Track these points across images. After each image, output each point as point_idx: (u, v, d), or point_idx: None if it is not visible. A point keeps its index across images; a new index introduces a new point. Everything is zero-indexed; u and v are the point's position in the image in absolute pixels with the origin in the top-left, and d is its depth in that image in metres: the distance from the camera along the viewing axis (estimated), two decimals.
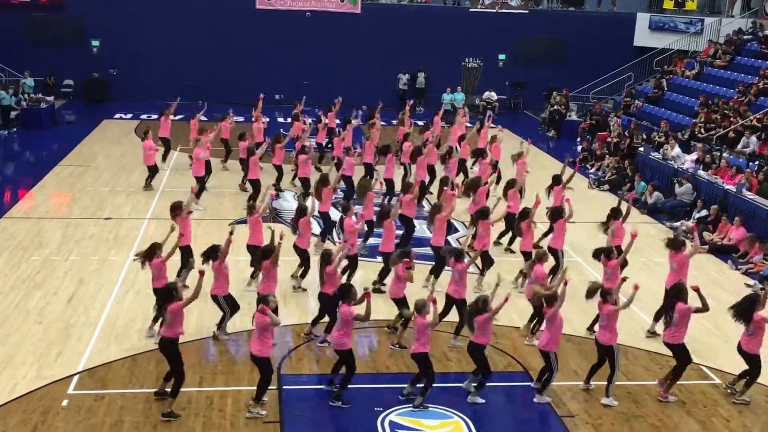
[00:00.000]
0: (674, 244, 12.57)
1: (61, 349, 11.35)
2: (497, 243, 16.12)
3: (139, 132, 21.91)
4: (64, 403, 9.98)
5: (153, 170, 19.71)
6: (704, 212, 18.51)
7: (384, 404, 10.28)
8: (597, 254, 12.46)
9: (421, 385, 10.29)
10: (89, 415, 9.73)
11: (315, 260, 12.93)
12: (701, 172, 20.01)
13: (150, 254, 11.33)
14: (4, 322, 12.13)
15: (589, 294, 10.85)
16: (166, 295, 9.88)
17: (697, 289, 10.62)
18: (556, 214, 14.13)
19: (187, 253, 12.88)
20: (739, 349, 10.81)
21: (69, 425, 9.51)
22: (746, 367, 10.87)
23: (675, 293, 10.75)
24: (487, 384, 10.52)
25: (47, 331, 11.92)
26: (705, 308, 10.57)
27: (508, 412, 10.54)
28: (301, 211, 13.52)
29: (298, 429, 9.76)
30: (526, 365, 11.52)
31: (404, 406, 10.28)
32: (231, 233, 11.84)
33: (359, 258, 13.92)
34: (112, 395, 10.20)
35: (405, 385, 10.56)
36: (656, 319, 12.52)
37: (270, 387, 10.07)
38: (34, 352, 11.24)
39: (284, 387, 10.58)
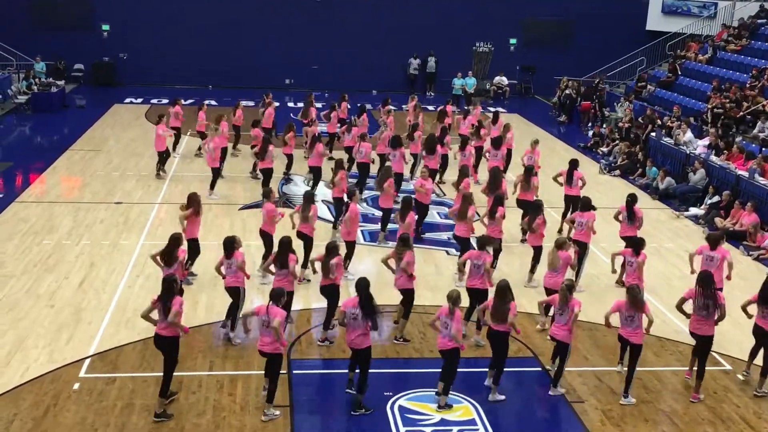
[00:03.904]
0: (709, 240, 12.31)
1: (72, 333, 11.41)
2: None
3: (150, 117, 21.81)
4: (76, 386, 10.04)
5: (164, 155, 19.56)
6: (716, 198, 18.39)
7: (393, 389, 10.30)
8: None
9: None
10: (100, 398, 9.79)
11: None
12: (713, 158, 19.85)
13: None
14: (16, 306, 12.21)
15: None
16: (167, 287, 9.26)
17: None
18: (585, 206, 13.81)
19: (194, 246, 12.82)
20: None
21: (80, 408, 9.57)
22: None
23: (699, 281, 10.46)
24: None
25: (58, 314, 11.98)
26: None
27: (517, 397, 10.52)
28: (308, 198, 13.40)
29: (307, 413, 9.79)
30: (535, 350, 11.51)
31: (413, 390, 10.30)
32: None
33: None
34: (123, 378, 10.26)
35: (414, 370, 10.57)
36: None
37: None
38: (45, 335, 11.31)
39: (293, 372, 10.61)
